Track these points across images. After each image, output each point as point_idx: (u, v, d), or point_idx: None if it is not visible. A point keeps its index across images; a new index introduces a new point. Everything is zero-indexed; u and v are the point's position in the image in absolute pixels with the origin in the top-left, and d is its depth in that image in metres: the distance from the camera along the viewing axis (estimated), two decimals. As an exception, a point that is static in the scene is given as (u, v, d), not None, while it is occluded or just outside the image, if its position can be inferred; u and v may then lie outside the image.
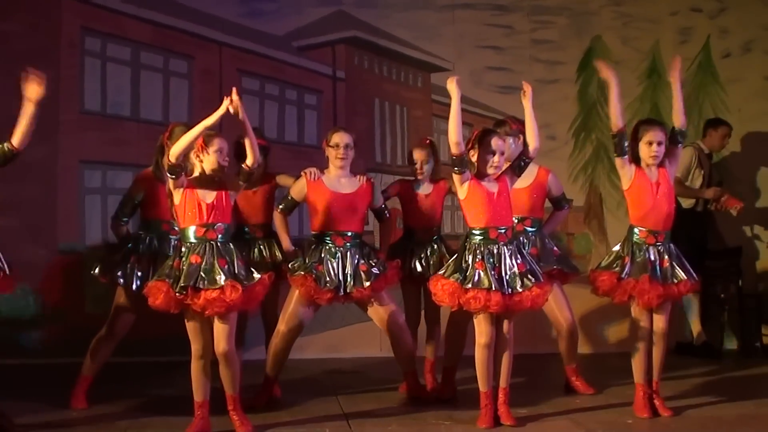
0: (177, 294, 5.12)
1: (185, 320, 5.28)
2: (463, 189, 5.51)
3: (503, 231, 5.48)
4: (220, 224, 5.27)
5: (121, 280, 5.91)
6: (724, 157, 8.39)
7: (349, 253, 5.97)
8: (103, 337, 6.03)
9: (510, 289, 5.39)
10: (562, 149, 8.31)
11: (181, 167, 5.19)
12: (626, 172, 5.72)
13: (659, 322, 5.76)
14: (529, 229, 6.28)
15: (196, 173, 5.32)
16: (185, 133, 5.76)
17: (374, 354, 7.76)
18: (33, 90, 5.25)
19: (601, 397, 6.25)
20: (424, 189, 6.47)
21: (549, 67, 8.42)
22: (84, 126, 7.79)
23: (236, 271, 5.21)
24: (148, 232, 6.04)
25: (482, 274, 5.38)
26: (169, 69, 8.01)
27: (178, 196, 5.26)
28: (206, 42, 7.97)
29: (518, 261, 5.46)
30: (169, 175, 5.22)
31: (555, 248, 6.39)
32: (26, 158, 7.37)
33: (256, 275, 5.30)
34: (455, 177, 5.52)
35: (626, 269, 5.69)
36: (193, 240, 5.23)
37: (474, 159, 5.54)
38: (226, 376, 5.31)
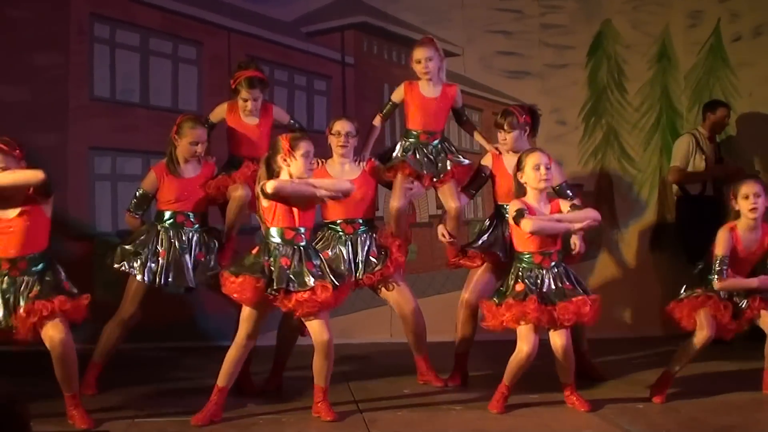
0: (269, 294, 5.18)
1: (242, 306, 5.31)
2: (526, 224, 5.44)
3: (548, 255, 5.47)
4: (306, 229, 5.33)
5: (135, 272, 5.93)
6: (730, 137, 8.35)
7: (359, 240, 5.98)
8: (114, 325, 6.05)
9: (551, 301, 5.38)
10: (572, 134, 8.29)
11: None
12: None
13: None
14: None
15: (284, 176, 5.31)
16: (197, 134, 5.85)
17: (385, 339, 7.77)
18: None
19: (612, 383, 6.25)
20: (431, 91, 6.32)
21: (558, 52, 8.39)
22: (93, 112, 7.78)
23: (325, 273, 5.27)
24: (163, 223, 6.05)
25: (519, 289, 5.42)
26: (178, 55, 8.00)
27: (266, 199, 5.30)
28: (215, 28, 7.95)
29: (565, 283, 5.46)
30: (266, 198, 5.25)
31: None
32: (36, 144, 7.45)
33: (342, 274, 5.43)
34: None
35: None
36: (278, 241, 5.26)
37: (521, 179, 5.57)
38: (320, 367, 5.32)
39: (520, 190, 5.61)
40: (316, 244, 5.96)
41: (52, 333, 5.14)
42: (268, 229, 5.30)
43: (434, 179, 6.21)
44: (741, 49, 8.55)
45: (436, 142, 6.28)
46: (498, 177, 6.29)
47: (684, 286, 5.88)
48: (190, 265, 5.98)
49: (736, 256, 5.70)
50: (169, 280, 5.93)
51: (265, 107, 6.32)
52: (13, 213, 5.24)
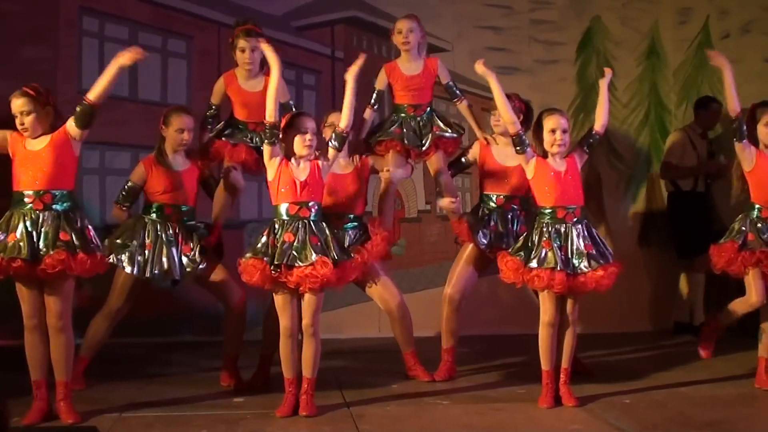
0: (272, 272, 5.18)
1: (274, 295, 5.33)
2: (529, 168, 5.54)
3: (572, 210, 5.49)
4: (313, 202, 5.31)
5: (123, 264, 5.92)
6: (722, 134, 8.36)
7: (347, 234, 5.99)
8: (101, 318, 6.04)
9: (575, 269, 5.41)
10: (561, 130, 8.28)
11: (278, 131, 5.27)
12: (747, 155, 5.81)
13: None
14: (515, 207, 6.27)
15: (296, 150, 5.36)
16: (183, 121, 5.91)
17: (373, 335, 7.77)
18: (128, 57, 5.22)
19: (599, 378, 6.27)
20: (412, 68, 6.34)
21: (548, 48, 8.41)
22: (82, 106, 7.76)
23: (329, 248, 5.25)
24: (151, 215, 6.05)
25: (548, 253, 5.41)
26: (167, 49, 7.99)
27: (272, 170, 5.32)
28: (205, 22, 7.94)
29: (586, 242, 5.48)
30: (269, 140, 5.29)
31: None
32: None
33: (352, 255, 5.41)
34: (519, 157, 5.56)
35: (749, 243, 5.80)
36: (285, 217, 5.27)
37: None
38: (307, 354, 5.34)
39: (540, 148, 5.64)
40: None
41: (54, 306, 5.10)
42: (276, 207, 5.32)
43: (420, 151, 6.24)
44: (730, 46, 8.55)
45: (424, 114, 6.30)
46: (486, 166, 6.30)
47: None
48: (176, 258, 5.97)
49: None
50: (156, 272, 5.93)
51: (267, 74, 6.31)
52: (42, 143, 5.16)
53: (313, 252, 5.18)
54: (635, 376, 6.05)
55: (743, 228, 5.86)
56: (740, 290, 7.79)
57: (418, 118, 6.26)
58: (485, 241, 6.16)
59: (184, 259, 5.96)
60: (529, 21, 8.39)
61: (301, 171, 5.32)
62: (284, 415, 5.26)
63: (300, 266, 5.16)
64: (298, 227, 5.24)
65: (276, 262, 5.17)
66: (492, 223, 6.18)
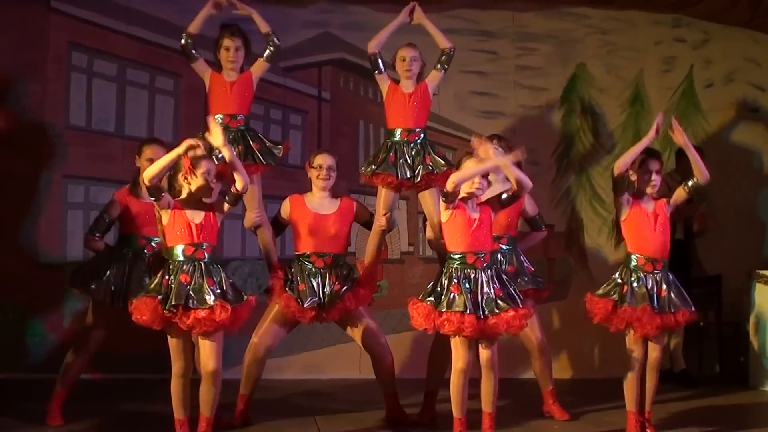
0: (165, 312, 5.14)
1: (168, 337, 5.29)
2: (445, 214, 5.55)
3: (481, 256, 5.51)
4: (207, 244, 5.30)
5: (95, 294, 5.92)
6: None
7: (328, 274, 6.00)
8: (75, 351, 6.03)
9: (485, 313, 5.40)
10: (545, 175, 8.32)
11: (159, 189, 5.22)
12: (624, 206, 5.85)
13: (654, 351, 5.85)
14: (504, 247, 6.31)
15: (184, 194, 5.34)
16: (154, 151, 5.92)
17: (353, 376, 7.75)
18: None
19: (578, 424, 6.27)
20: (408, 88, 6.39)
21: (533, 93, 8.48)
22: (69, 141, 7.79)
23: (225, 291, 5.24)
24: (124, 246, 6.07)
25: (457, 296, 5.40)
26: (155, 86, 8.02)
27: (166, 216, 5.30)
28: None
29: (495, 286, 5.48)
30: (149, 197, 5.27)
31: (529, 266, 6.43)
32: (9, 171, 7.44)
33: (245, 296, 5.35)
34: (442, 205, 5.57)
35: (626, 298, 5.75)
36: (181, 259, 5.25)
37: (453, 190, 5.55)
38: (207, 396, 5.30)
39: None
40: (290, 276, 6.01)
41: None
42: (171, 249, 5.30)
43: (412, 183, 6.28)
44: (713, 95, 8.67)
45: (417, 140, 6.33)
46: None
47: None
48: None
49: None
50: (128, 301, 5.92)
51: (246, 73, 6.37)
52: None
53: (211, 295, 5.17)
54: (613, 423, 6.05)
55: (619, 281, 5.87)
56: (720, 336, 7.87)
57: (411, 144, 6.31)
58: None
59: None
60: (515, 66, 8.46)
61: (196, 214, 5.31)
62: None
63: (197, 309, 5.14)
64: (194, 269, 5.23)
65: (173, 303, 5.13)
66: None
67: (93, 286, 5.93)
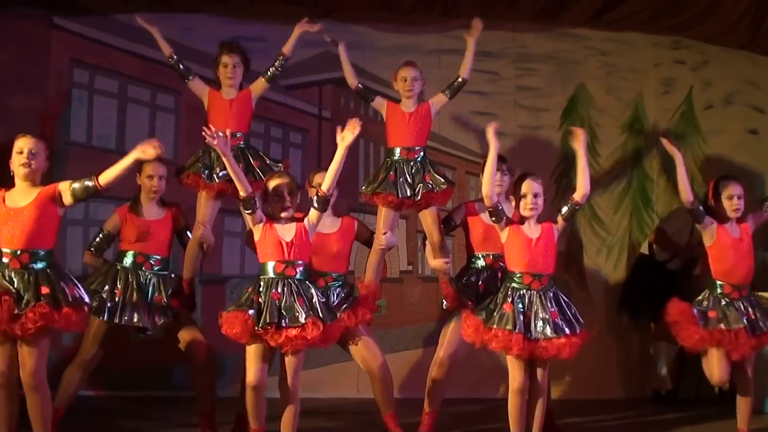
0: (258, 328, 5.16)
1: (247, 346, 5.31)
2: (503, 234, 5.62)
3: (539, 278, 5.51)
4: (299, 261, 5.33)
5: (93, 312, 5.93)
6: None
7: (330, 293, 6.00)
8: (74, 368, 6.04)
9: (536, 335, 5.41)
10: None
11: (253, 202, 5.32)
12: (708, 231, 6.00)
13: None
14: (504, 264, 6.29)
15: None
16: (154, 168, 6.09)
17: (352, 395, 7.74)
18: (147, 152, 5.22)
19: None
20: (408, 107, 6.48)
21: (533, 114, 8.50)
22: (69, 157, 7.80)
23: (317, 309, 5.26)
24: (123, 263, 6.07)
25: (508, 314, 5.44)
26: (156, 103, 8.04)
27: (258, 232, 5.37)
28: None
29: (552, 309, 5.51)
30: (245, 209, 5.38)
31: None
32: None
33: (337, 315, 5.42)
34: (497, 226, 5.70)
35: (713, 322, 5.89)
36: (272, 275, 5.28)
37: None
38: (288, 416, 5.38)
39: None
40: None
41: (29, 362, 5.03)
42: (262, 265, 5.34)
43: (412, 202, 6.32)
44: (712, 117, 8.68)
45: (417, 158, 6.36)
46: (471, 226, 6.35)
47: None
48: (146, 306, 5.99)
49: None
50: (126, 318, 5.94)
51: (245, 91, 6.45)
52: (26, 199, 5.14)
53: (302, 313, 5.19)
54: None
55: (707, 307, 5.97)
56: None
57: (411, 162, 6.32)
58: (472, 303, 6.16)
59: (155, 310, 5.99)
60: (515, 87, 8.48)
61: (287, 231, 5.35)
62: None
63: (289, 327, 5.16)
64: (284, 286, 5.26)
65: (267, 321, 5.16)
66: (480, 284, 6.18)
67: (93, 305, 5.93)
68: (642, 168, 8.56)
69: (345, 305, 6.00)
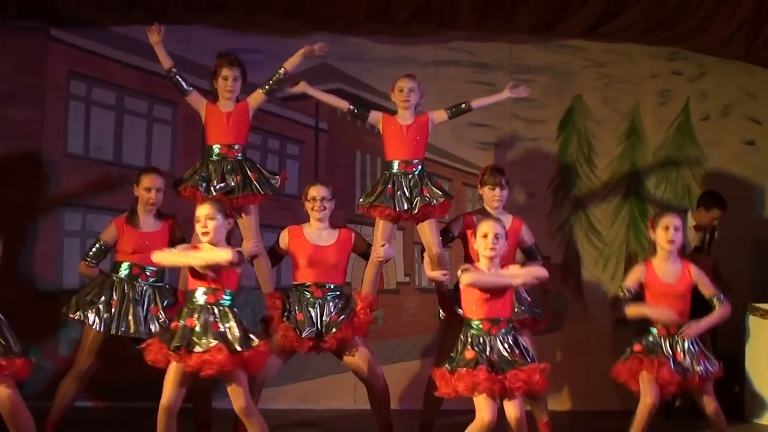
0: (170, 351, 5.13)
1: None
2: (462, 279, 5.42)
3: (497, 323, 5.43)
4: (224, 289, 5.27)
5: (89, 322, 5.94)
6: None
7: (327, 304, 6.00)
8: (71, 379, 6.05)
9: (501, 369, 5.26)
10: (541, 206, 8.35)
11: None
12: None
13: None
14: None
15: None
16: (152, 180, 5.99)
17: (348, 406, 7.73)
18: None
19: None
20: (405, 120, 6.49)
21: (529, 125, 8.50)
22: (66, 169, 7.81)
23: (227, 335, 5.18)
24: (119, 274, 6.08)
25: (469, 357, 5.28)
26: (153, 115, 8.05)
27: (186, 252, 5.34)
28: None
29: (512, 351, 5.34)
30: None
31: (527, 296, 6.42)
32: (6, 198, 7.45)
33: (254, 341, 5.25)
34: (460, 272, 5.52)
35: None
36: (197, 301, 5.23)
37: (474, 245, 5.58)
38: None
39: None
40: (287, 306, 6.01)
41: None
42: (190, 292, 5.31)
43: (410, 215, 6.33)
44: (709, 128, 8.69)
45: (415, 171, 6.37)
46: (470, 238, 6.33)
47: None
48: (141, 317, 6.00)
49: (657, 289, 5.86)
50: (122, 329, 5.95)
51: (242, 103, 6.44)
52: None
53: (212, 339, 5.13)
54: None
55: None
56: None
57: (409, 175, 6.33)
58: None
59: (150, 320, 6.00)
60: (512, 98, 8.47)
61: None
62: None
63: (197, 352, 5.11)
64: (202, 312, 5.20)
65: (177, 344, 5.11)
66: None
67: (87, 314, 5.95)
68: (639, 179, 8.56)
69: (342, 316, 6.00)
